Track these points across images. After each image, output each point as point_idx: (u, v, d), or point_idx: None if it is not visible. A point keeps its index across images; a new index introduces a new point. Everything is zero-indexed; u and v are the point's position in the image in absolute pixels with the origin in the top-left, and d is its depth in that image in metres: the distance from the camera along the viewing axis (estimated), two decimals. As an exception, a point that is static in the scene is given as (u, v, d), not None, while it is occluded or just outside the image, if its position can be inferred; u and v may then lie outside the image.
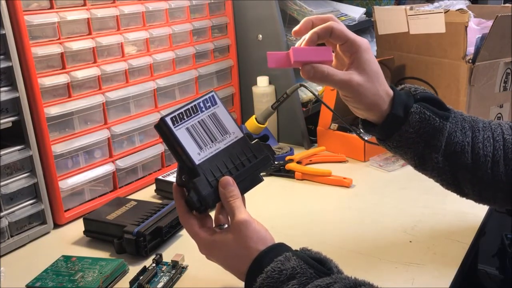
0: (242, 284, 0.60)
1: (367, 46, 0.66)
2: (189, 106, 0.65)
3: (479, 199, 0.72)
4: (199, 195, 0.62)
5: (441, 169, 0.69)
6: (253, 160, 0.67)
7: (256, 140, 0.68)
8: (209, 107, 0.67)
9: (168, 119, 0.63)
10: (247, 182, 0.66)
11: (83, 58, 0.98)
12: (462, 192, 0.72)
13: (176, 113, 0.64)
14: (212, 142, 0.65)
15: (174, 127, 0.63)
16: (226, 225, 0.67)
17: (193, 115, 0.65)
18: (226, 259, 0.63)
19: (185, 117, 0.64)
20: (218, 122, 0.67)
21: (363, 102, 0.66)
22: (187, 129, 0.64)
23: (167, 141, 0.65)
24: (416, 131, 0.67)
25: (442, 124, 0.67)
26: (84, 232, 0.89)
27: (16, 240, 0.88)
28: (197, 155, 0.64)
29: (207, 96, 0.67)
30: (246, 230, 0.61)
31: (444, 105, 0.70)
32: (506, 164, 0.68)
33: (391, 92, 0.68)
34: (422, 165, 0.70)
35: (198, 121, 0.65)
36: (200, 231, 0.64)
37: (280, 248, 0.60)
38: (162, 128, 0.63)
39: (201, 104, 0.66)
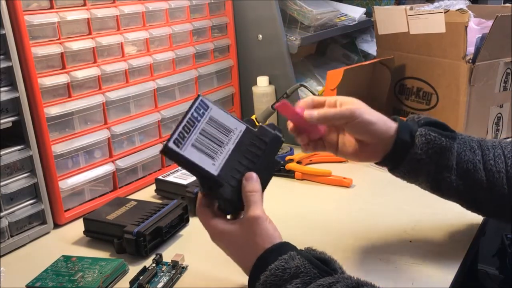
0: (242, 284, 0.60)
1: (342, 97, 0.70)
2: (185, 122, 0.63)
3: (499, 216, 0.73)
4: (228, 202, 0.64)
5: (457, 189, 0.70)
6: (264, 146, 0.66)
7: (259, 125, 0.68)
8: (203, 113, 0.65)
9: (171, 144, 0.62)
10: (266, 172, 0.67)
11: (83, 58, 0.98)
12: (482, 211, 0.74)
13: (176, 135, 0.62)
14: (220, 146, 0.65)
15: (180, 149, 0.62)
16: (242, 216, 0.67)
17: (192, 129, 0.64)
18: (233, 251, 0.65)
19: (185, 134, 0.63)
20: (218, 124, 0.66)
21: (372, 119, 0.68)
22: (193, 145, 0.63)
23: (179, 164, 0.64)
24: (424, 152, 0.68)
25: (450, 143, 0.69)
26: (84, 232, 0.89)
27: (16, 240, 0.88)
28: (213, 166, 0.63)
29: (197, 103, 0.65)
30: (256, 226, 0.62)
31: (448, 127, 0.71)
32: None
33: (394, 123, 0.70)
34: (437, 187, 0.71)
35: (200, 132, 0.64)
36: (212, 220, 0.65)
37: (285, 247, 0.61)
38: (169, 154, 0.62)
39: (195, 114, 0.64)
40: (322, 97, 0.71)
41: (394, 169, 0.73)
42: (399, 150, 0.69)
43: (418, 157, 0.68)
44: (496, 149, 0.70)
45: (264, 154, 0.66)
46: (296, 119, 0.71)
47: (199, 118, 0.64)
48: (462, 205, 0.74)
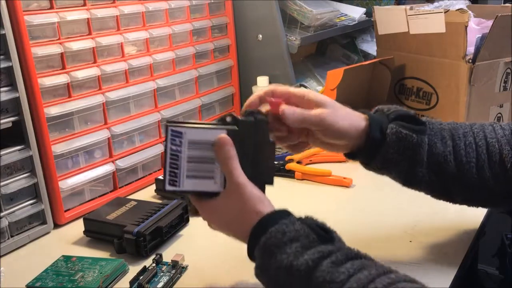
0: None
1: (310, 92, 0.69)
2: (168, 160, 0.61)
3: (471, 204, 0.74)
4: None
5: (428, 181, 0.70)
6: (250, 140, 0.64)
7: (239, 118, 0.65)
8: (180, 142, 0.62)
9: (169, 187, 0.61)
10: (266, 160, 0.65)
11: (83, 58, 0.98)
12: (453, 200, 0.73)
13: (168, 176, 0.61)
14: (213, 163, 0.63)
15: (178, 187, 0.62)
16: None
17: (178, 162, 0.62)
18: (227, 223, 0.64)
19: (175, 170, 0.62)
20: (199, 144, 0.63)
21: (341, 126, 0.67)
22: (188, 176, 0.62)
23: (185, 195, 0.64)
24: (396, 151, 0.68)
25: (420, 139, 0.68)
26: (84, 232, 0.89)
27: (16, 240, 0.87)
28: (215, 185, 0.63)
29: (169, 135, 0.61)
30: (243, 193, 0.61)
31: (419, 119, 0.70)
32: (492, 167, 0.68)
33: (364, 119, 0.69)
34: (409, 181, 0.72)
35: (187, 161, 0.62)
36: (201, 201, 0.65)
37: (285, 212, 0.61)
38: (171, 193, 0.62)
39: (173, 147, 0.61)
40: (284, 89, 0.69)
41: (367, 165, 0.72)
42: (370, 148, 0.69)
43: (390, 156, 0.68)
44: (467, 137, 0.70)
45: (255, 145, 0.64)
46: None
47: (179, 148, 0.62)
48: (433, 196, 0.74)
